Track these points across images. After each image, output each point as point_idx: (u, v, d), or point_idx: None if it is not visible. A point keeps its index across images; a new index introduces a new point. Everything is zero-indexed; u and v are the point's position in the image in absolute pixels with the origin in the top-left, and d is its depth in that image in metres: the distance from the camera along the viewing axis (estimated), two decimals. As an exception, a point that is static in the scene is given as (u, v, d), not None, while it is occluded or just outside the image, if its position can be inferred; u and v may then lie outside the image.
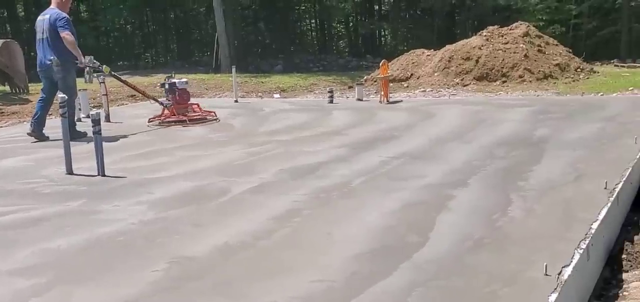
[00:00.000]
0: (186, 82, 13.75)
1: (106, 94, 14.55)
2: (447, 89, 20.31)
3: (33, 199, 7.13)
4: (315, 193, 6.87)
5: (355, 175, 7.71)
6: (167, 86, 13.49)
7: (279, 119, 13.73)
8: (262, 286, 4.30)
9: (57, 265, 4.90)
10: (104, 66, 12.56)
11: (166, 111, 13.43)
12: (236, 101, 17.73)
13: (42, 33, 11.10)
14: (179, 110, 13.32)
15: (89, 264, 4.92)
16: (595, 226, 5.14)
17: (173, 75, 14.30)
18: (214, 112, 13.96)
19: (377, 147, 9.68)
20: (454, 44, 23.69)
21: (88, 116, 12.71)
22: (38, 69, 11.43)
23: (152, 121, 13.36)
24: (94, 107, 15.13)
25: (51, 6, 11.30)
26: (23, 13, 45.40)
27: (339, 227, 5.59)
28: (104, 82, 14.37)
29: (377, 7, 46.27)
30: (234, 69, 19.22)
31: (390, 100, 16.47)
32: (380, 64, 17.31)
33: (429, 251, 4.84)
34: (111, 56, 43.99)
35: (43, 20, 11.14)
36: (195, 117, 13.46)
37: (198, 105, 14.09)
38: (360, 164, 8.36)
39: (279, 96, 20.95)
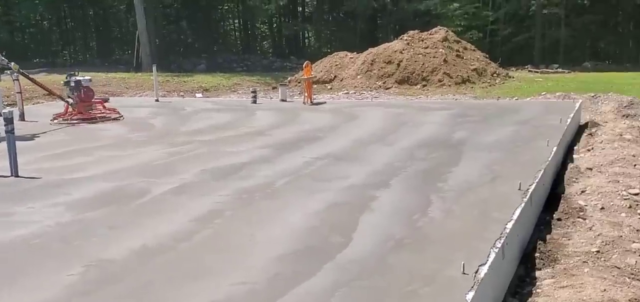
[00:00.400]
0: (90, 80, 13.56)
1: (20, 92, 14.01)
2: (369, 92, 20.59)
3: (-61, 201, 6.78)
4: (237, 194, 6.81)
5: (278, 176, 7.70)
6: (72, 84, 13.17)
7: (201, 118, 13.56)
8: (182, 289, 4.22)
9: (-35, 270, 4.67)
10: (13, 63, 12.08)
11: (70, 109, 13.13)
12: (157, 100, 17.40)
13: None
14: (84, 108, 13.03)
15: (3, 267, 4.72)
16: (510, 225, 5.31)
17: (76, 73, 13.97)
18: (118, 110, 13.77)
19: (301, 148, 9.69)
20: (376, 48, 24.04)
21: (0, 115, 12.21)
22: None
23: (55, 119, 13.00)
24: (8, 105, 14.51)
25: None
26: None
27: (262, 228, 5.56)
28: (18, 80, 13.81)
29: (300, 8, 46.40)
30: (154, 68, 18.86)
31: (314, 101, 16.54)
32: (304, 66, 17.36)
33: (352, 251, 4.88)
34: (27, 53, 42.36)
35: None
36: (99, 115, 13.22)
37: (102, 103, 13.88)
38: (283, 165, 8.35)
39: (201, 96, 20.69)
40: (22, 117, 13.32)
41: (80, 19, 45.55)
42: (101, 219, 5.97)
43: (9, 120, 7.77)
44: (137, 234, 5.45)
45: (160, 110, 15.01)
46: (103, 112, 13.28)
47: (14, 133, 7.81)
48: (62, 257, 4.91)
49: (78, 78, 13.16)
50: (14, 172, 7.79)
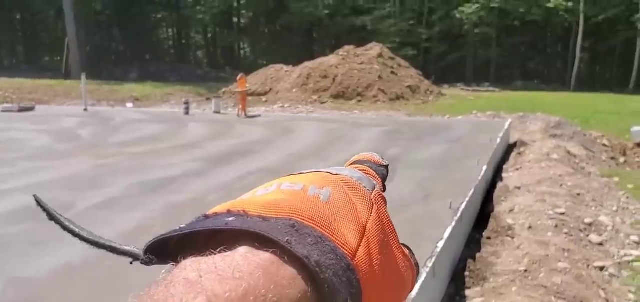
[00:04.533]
0: None
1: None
2: (305, 106, 20.60)
3: None
4: (167, 209, 6.64)
5: (210, 190, 7.55)
6: None
7: (131, 129, 13.24)
8: (106, 309, 4.06)
9: None
10: None
11: None
12: (86, 110, 16.91)
13: None
14: None
15: None
16: (441, 244, 5.34)
17: None
18: None
19: (234, 161, 9.57)
20: (312, 61, 24.12)
21: None
22: None
23: None
24: None
25: None
26: None
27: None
28: None
29: (236, 19, 46.18)
30: (83, 76, 18.32)
31: (249, 114, 16.42)
32: (238, 78, 17.21)
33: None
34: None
35: None
36: None
37: None
38: (216, 179, 8.21)
39: (132, 105, 20.25)
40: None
41: (6, 22, 44.03)
42: (21, 235, 5.70)
43: None
44: (60, 250, 5.22)
45: (88, 120, 14.58)
46: None
47: None
48: (-22, 275, 4.66)
49: None
50: None
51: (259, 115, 16.70)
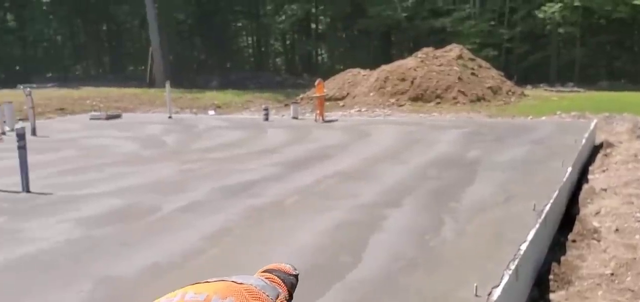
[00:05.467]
0: None
1: (33, 107, 14.07)
2: (382, 109, 20.53)
3: (-50, 216, 6.78)
4: (247, 212, 6.77)
5: (288, 194, 7.65)
6: None
7: (213, 136, 13.55)
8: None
9: (-27, 286, 4.65)
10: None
11: None
12: (170, 117, 17.42)
13: None
14: None
15: (8, 287, 4.69)
16: (524, 247, 5.23)
17: None
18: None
19: (311, 166, 9.65)
20: (389, 65, 24.00)
21: (12, 130, 12.26)
22: None
23: None
24: (20, 120, 14.58)
25: None
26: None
27: (271, 246, 5.52)
28: (30, 95, 13.89)
29: (314, 26, 46.51)
30: (167, 84, 18.88)
31: (326, 119, 16.51)
32: (316, 83, 17.33)
33: (362, 271, 4.81)
34: (40, 67, 42.71)
35: None
36: None
37: None
38: (294, 183, 8.30)
39: (213, 113, 20.72)
40: (33, 133, 13.35)
41: (93, 34, 45.90)
42: (111, 236, 5.95)
43: (21, 136, 7.78)
44: (146, 251, 5.42)
45: (172, 127, 15.02)
46: None
47: (25, 148, 7.81)
48: (72, 274, 4.89)
49: None
50: (25, 188, 7.79)
51: (336, 120, 16.77)
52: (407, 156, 10.46)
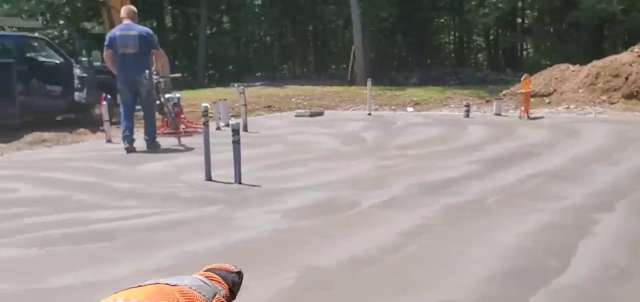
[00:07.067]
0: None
1: (245, 105, 15.03)
2: (592, 107, 19.22)
3: (173, 203, 7.45)
4: (446, 210, 6.69)
5: (489, 193, 7.44)
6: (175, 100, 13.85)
7: (412, 132, 13.57)
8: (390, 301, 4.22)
9: (194, 268, 5.01)
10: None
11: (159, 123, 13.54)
12: (369, 114, 17.73)
13: (127, 48, 11.15)
14: (178, 123, 13.56)
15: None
16: None
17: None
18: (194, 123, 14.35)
19: (515, 164, 9.30)
20: (601, 60, 22.37)
21: (227, 125, 13.21)
22: (123, 83, 11.43)
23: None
24: (232, 116, 15.67)
25: (127, 22, 11.39)
26: (170, 24, 48.33)
27: (471, 246, 5.39)
28: (243, 93, 14.87)
29: (520, 20, 44.71)
30: (369, 82, 19.24)
31: (531, 116, 15.82)
32: (522, 78, 16.67)
33: (569, 277, 4.54)
34: (250, 67, 45.63)
35: (129, 35, 11.23)
36: (187, 130, 13.70)
37: (187, 119, 14.57)
38: (495, 182, 8.06)
39: (412, 109, 20.73)
40: (244, 128, 14.24)
41: (300, 34, 48.08)
42: (313, 228, 6.18)
43: (235, 131, 8.35)
44: (346, 244, 5.56)
45: (371, 124, 15.28)
46: (187, 127, 13.74)
47: (239, 143, 8.37)
48: (278, 262, 5.16)
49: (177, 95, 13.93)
50: (238, 180, 8.35)
51: (542, 117, 16.00)
52: (621, 157, 9.69)
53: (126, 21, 11.41)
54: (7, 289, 4.62)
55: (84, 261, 5.26)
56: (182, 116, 14.26)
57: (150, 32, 11.75)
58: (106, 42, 11.38)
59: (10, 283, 4.72)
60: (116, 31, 11.45)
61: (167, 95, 13.56)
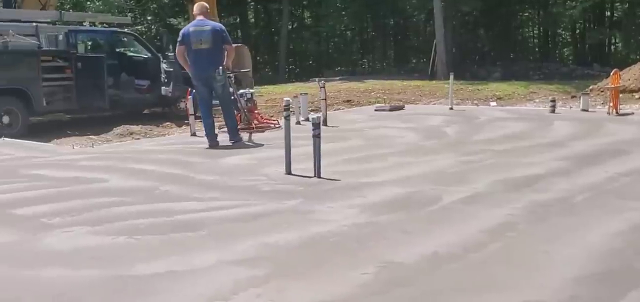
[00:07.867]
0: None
1: (325, 99, 15.08)
2: (690, 102, 18.27)
3: (254, 196, 7.56)
4: (532, 207, 6.51)
5: (577, 191, 7.19)
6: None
7: (495, 127, 13.27)
8: (471, 300, 4.14)
9: (274, 259, 5.12)
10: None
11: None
12: (451, 108, 17.45)
13: (200, 43, 11.24)
14: (252, 118, 13.55)
15: (303, 261, 5.10)
16: None
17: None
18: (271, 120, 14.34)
19: (604, 161, 8.95)
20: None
21: (307, 119, 13.30)
22: (196, 78, 11.59)
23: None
24: (312, 110, 15.77)
25: (201, 18, 11.48)
26: (253, 19, 49.14)
27: (558, 245, 5.22)
28: (324, 87, 14.93)
29: (608, 13, 42.93)
30: (451, 76, 18.96)
31: (620, 112, 15.19)
32: (612, 73, 16.02)
33: (662, 281, 4.34)
34: (330, 61, 45.78)
35: (202, 31, 11.32)
36: (259, 125, 13.65)
37: (260, 115, 14.52)
38: (583, 179, 7.78)
39: (495, 104, 20.28)
40: (324, 123, 14.28)
41: (380, 28, 47.84)
42: (393, 223, 6.14)
43: (316, 125, 8.40)
44: (427, 240, 5.50)
45: (453, 119, 15.04)
46: (260, 122, 13.68)
47: (320, 137, 8.40)
48: (357, 256, 5.15)
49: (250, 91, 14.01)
50: (317, 174, 8.39)
51: (632, 113, 15.33)
52: None
53: (199, 17, 11.58)
54: (96, 275, 4.81)
55: (169, 250, 5.42)
56: (256, 112, 14.43)
57: (223, 27, 11.99)
58: (179, 38, 11.64)
59: (100, 269, 4.91)
60: (190, 27, 11.68)
61: (240, 91, 13.80)
